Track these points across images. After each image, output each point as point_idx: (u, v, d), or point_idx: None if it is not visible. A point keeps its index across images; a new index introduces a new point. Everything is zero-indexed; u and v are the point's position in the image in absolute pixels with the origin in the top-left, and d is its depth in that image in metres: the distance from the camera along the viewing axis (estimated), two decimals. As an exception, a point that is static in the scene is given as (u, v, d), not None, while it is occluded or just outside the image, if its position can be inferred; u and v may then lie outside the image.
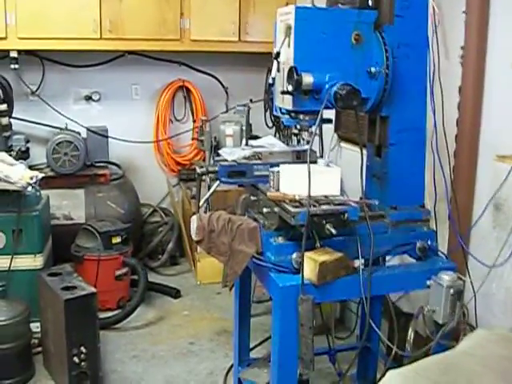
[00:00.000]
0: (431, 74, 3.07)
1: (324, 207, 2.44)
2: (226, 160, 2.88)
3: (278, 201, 2.52)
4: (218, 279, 5.25)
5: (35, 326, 3.94)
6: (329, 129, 4.40)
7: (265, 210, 2.67)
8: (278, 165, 2.67)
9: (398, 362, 2.85)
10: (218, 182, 2.89)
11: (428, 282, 2.62)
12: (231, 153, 2.94)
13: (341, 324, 4.42)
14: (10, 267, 4.01)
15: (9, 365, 3.66)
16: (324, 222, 2.41)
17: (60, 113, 5.69)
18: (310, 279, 2.44)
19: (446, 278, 2.55)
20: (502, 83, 2.97)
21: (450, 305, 2.54)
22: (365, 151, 2.78)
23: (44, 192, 4.55)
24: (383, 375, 1.94)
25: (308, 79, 2.43)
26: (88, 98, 5.94)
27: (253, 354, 3.58)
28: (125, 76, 5.96)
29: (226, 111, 6.07)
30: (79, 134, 5.51)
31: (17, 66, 5.35)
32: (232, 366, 3.68)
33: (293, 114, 2.62)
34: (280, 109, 2.71)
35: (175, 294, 5.18)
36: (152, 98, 6.14)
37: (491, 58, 3.04)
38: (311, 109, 2.52)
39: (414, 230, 2.78)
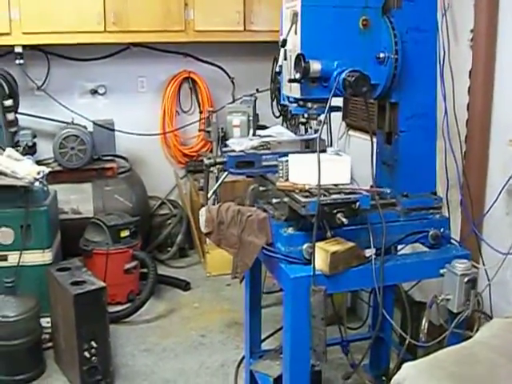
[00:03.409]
0: (441, 59, 3.02)
1: (334, 196, 2.39)
2: (234, 150, 2.85)
3: (288, 191, 2.48)
4: (228, 270, 5.23)
5: (45, 322, 3.94)
6: (336, 117, 4.34)
7: (274, 200, 2.64)
8: (286, 154, 2.62)
9: (412, 352, 2.83)
10: (226, 172, 2.86)
11: (441, 271, 2.58)
12: (239, 143, 2.91)
13: (352, 314, 4.38)
14: (18, 263, 3.99)
15: (20, 360, 3.66)
16: (335, 211, 2.36)
17: (66, 107, 5.67)
18: (322, 270, 2.40)
19: (460, 266, 2.51)
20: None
21: (464, 293, 2.50)
22: (374, 139, 2.74)
23: (51, 187, 4.53)
24: (397, 366, 1.92)
25: (316, 66, 2.39)
26: (94, 92, 5.92)
27: (264, 346, 3.56)
28: (130, 69, 5.93)
29: (233, 101, 6.02)
30: (86, 127, 5.49)
31: (22, 62, 5.34)
32: (243, 358, 3.66)
33: (301, 103, 2.57)
34: (288, 97, 2.66)
35: (185, 286, 5.17)
36: (158, 90, 6.11)
37: (502, 40, 2.97)
38: (319, 97, 2.48)
39: (426, 217, 2.73)
